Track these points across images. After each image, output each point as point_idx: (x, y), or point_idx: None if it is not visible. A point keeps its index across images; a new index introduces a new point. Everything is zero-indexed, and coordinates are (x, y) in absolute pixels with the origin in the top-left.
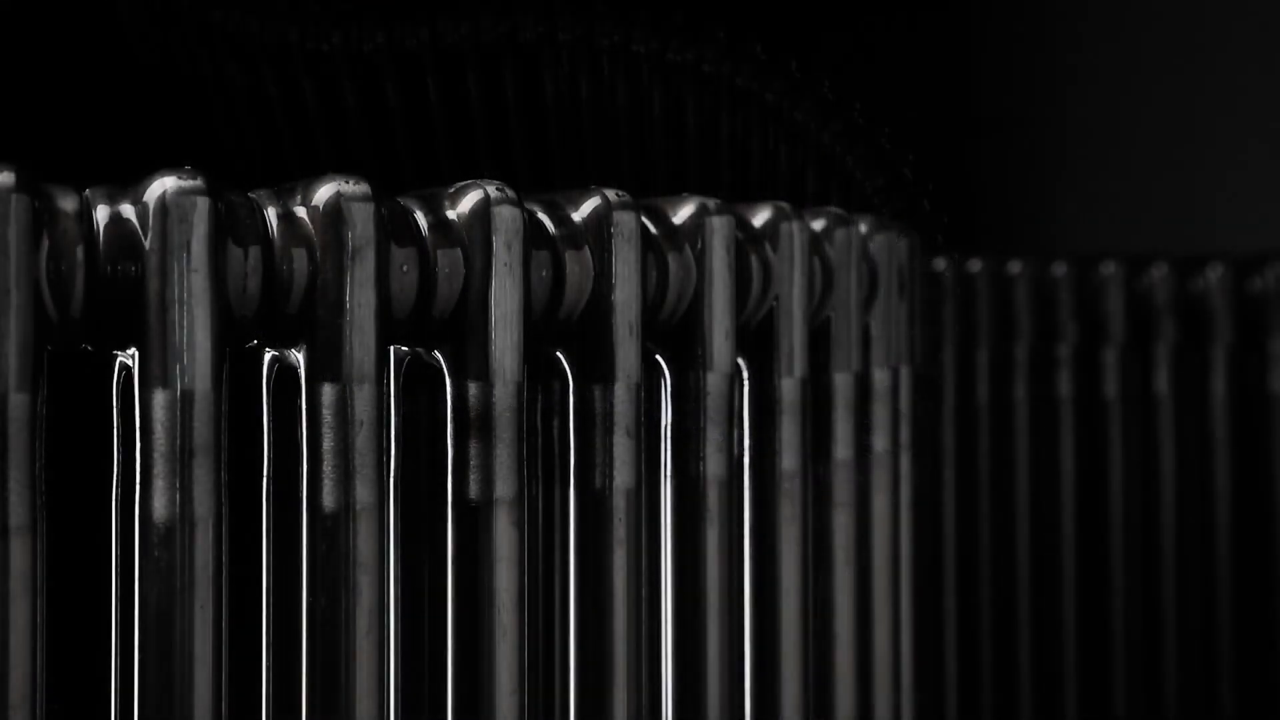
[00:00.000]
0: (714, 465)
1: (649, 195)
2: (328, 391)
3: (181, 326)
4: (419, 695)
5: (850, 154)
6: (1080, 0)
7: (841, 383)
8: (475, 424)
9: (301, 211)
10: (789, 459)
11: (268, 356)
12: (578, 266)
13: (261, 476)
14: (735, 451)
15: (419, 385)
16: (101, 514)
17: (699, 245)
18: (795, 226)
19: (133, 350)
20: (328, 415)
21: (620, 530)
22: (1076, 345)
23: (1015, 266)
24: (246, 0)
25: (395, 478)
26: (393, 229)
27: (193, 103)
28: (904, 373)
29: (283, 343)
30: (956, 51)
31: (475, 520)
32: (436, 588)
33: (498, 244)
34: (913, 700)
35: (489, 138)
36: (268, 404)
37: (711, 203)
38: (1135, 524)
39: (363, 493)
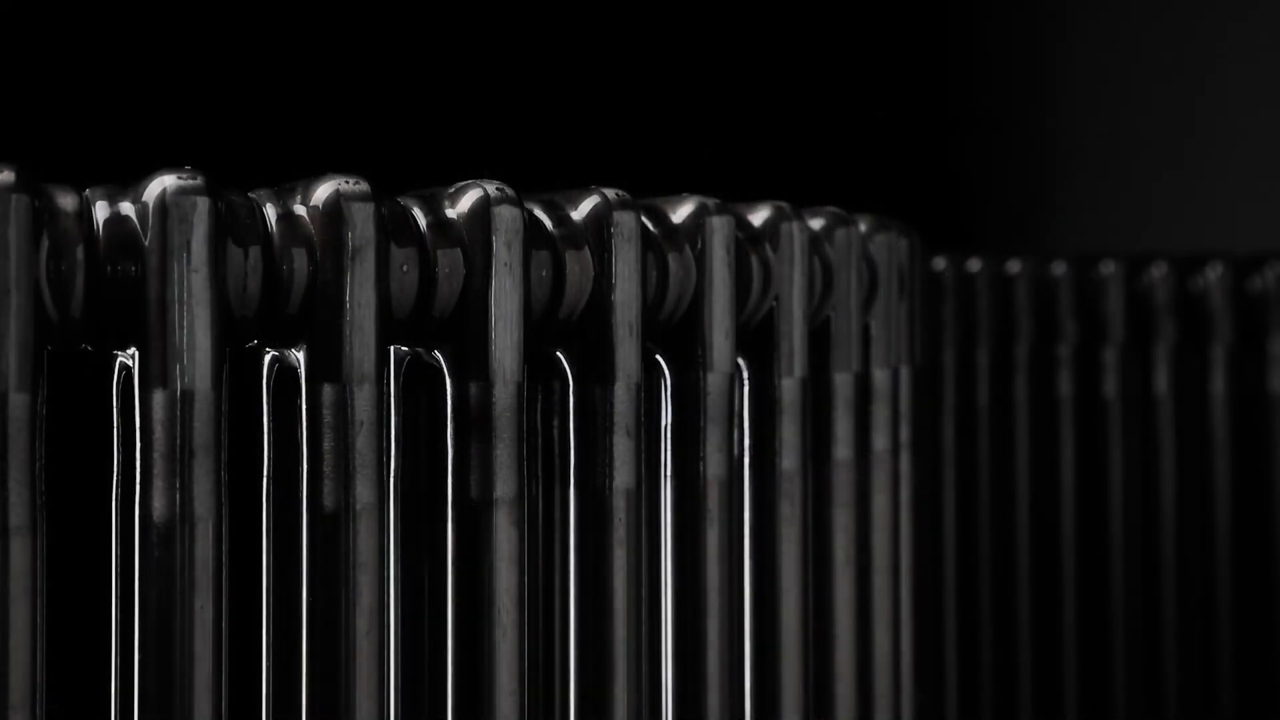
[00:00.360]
0: (714, 465)
1: (647, 195)
2: (328, 391)
3: (181, 326)
4: (419, 695)
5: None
6: None
7: (841, 383)
8: (475, 424)
9: (301, 211)
10: (789, 459)
11: (268, 356)
12: (578, 266)
13: (261, 476)
14: (735, 451)
15: (419, 385)
16: (101, 514)
17: (699, 245)
18: (795, 226)
19: (133, 350)
20: (328, 415)
21: (620, 530)
22: (1076, 345)
23: (1015, 266)
24: None
25: (395, 478)
26: (393, 229)
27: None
28: (904, 373)
29: (283, 343)
30: (956, 49)
31: (475, 520)
32: (436, 588)
33: (498, 244)
34: (913, 700)
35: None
36: (268, 404)
37: (711, 202)
38: (1135, 524)
39: (363, 493)
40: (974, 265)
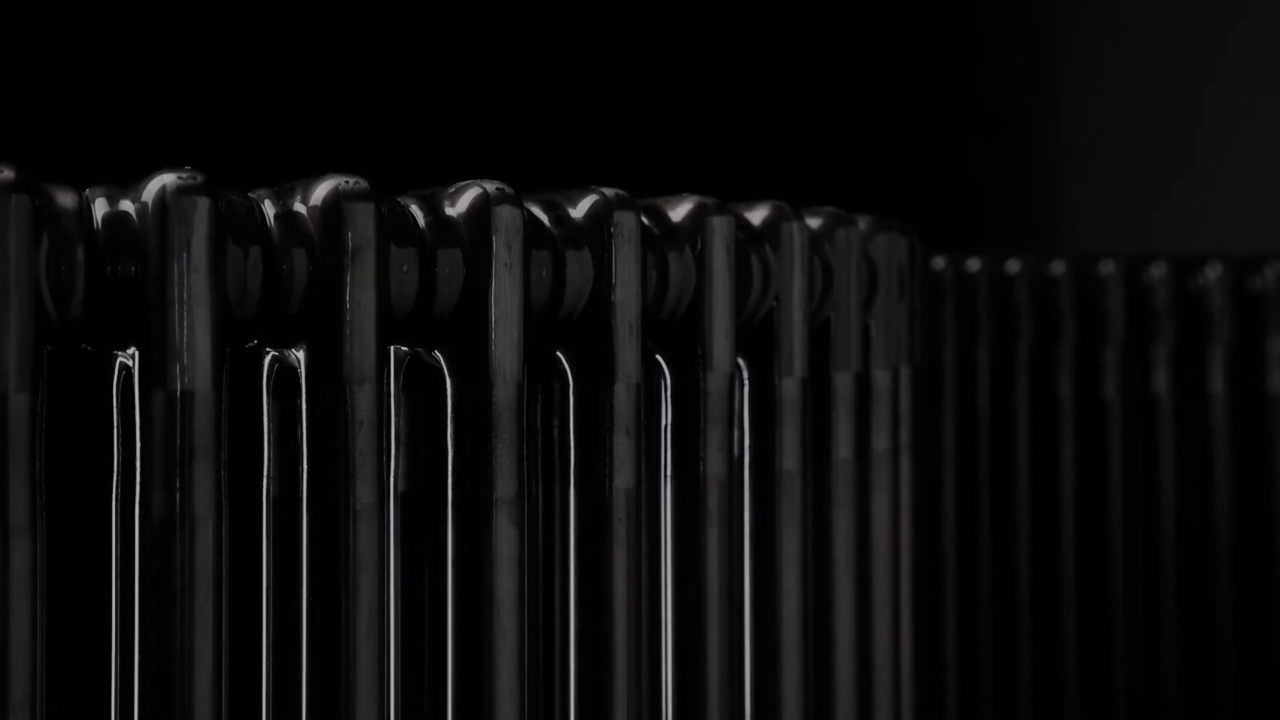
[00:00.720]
0: (714, 465)
1: (647, 195)
2: (328, 392)
3: (181, 326)
4: (419, 695)
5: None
6: None
7: (842, 383)
8: (475, 424)
9: (301, 210)
10: (789, 459)
11: (268, 357)
12: (578, 266)
13: (262, 476)
14: (735, 451)
15: (419, 385)
16: (101, 514)
17: (699, 245)
18: (795, 226)
19: (133, 350)
20: (328, 415)
21: (620, 530)
22: (1076, 345)
23: (1014, 266)
24: None
25: (395, 478)
26: (393, 229)
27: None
28: (904, 373)
29: (283, 343)
30: (956, 49)
31: (475, 520)
32: (436, 588)
33: (498, 244)
34: (913, 700)
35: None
36: (268, 404)
37: (711, 202)
38: (1135, 523)
39: (363, 493)
40: (974, 265)
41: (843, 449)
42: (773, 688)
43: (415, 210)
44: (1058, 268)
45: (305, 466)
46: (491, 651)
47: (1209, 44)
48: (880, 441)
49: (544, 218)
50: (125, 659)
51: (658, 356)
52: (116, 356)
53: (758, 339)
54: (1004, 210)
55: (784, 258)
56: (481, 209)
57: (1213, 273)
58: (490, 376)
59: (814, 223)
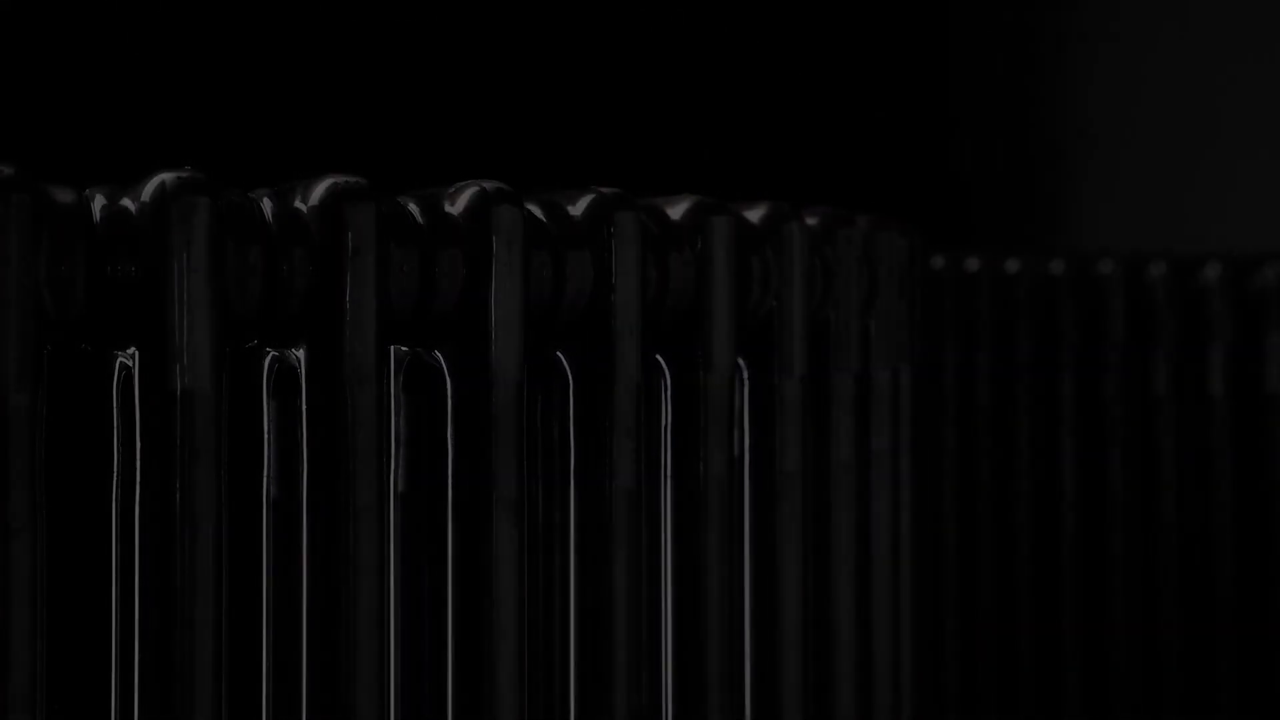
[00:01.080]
0: (714, 465)
1: (647, 195)
2: (328, 391)
3: (181, 326)
4: (419, 696)
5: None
6: None
7: (842, 383)
8: (475, 424)
9: (301, 210)
10: (789, 459)
11: (268, 357)
12: (578, 266)
13: (261, 476)
14: (735, 451)
15: (419, 385)
16: (101, 514)
17: (699, 245)
18: (795, 226)
19: (133, 350)
20: (328, 415)
21: (620, 530)
22: (1076, 345)
23: (1014, 265)
24: None
25: (395, 478)
26: (393, 228)
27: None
28: (904, 372)
29: (283, 343)
30: (955, 48)
31: (475, 520)
32: (436, 588)
33: (498, 244)
34: (913, 700)
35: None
36: (268, 404)
37: (711, 202)
38: (1135, 523)
39: (363, 493)
40: (973, 264)
41: (843, 449)
42: (773, 688)
43: (415, 210)
44: (1057, 267)
45: (305, 467)
46: (491, 651)
47: (1210, 43)
48: (880, 441)
49: (544, 218)
50: (125, 659)
51: (658, 356)
52: (116, 356)
53: (758, 339)
54: (1003, 209)
55: (784, 258)
56: (481, 209)
57: (1213, 273)
58: (490, 377)
59: (814, 222)
